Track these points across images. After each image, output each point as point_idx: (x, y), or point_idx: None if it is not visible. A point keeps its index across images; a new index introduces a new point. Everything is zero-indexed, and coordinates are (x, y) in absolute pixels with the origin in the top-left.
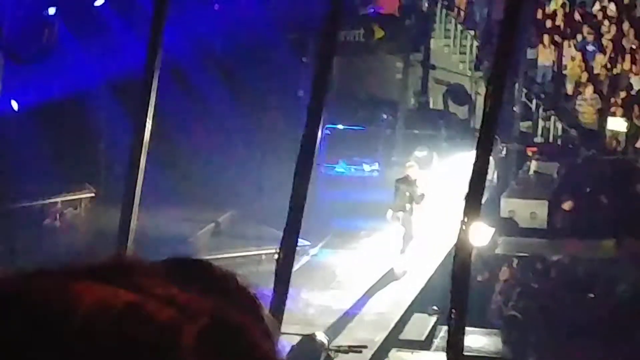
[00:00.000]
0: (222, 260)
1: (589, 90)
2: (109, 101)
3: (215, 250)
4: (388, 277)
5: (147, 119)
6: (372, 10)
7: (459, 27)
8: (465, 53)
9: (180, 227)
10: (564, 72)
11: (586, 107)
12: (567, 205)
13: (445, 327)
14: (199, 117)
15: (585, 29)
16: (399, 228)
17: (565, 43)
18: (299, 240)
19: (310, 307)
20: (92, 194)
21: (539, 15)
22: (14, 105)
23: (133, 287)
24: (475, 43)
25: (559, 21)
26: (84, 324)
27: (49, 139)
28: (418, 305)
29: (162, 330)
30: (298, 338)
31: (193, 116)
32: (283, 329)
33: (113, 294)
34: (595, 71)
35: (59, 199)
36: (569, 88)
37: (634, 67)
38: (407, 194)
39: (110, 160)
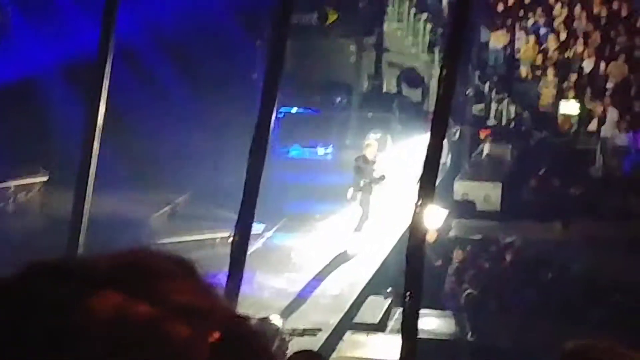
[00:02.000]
0: (177, 245)
1: (550, 73)
2: (63, 84)
3: (171, 234)
4: (342, 258)
5: (101, 102)
6: None
7: (412, 10)
8: (418, 36)
9: (136, 210)
10: (517, 55)
11: (544, 89)
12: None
13: (399, 310)
14: (153, 99)
15: (538, 11)
16: (357, 207)
17: (517, 26)
18: (254, 223)
19: (265, 290)
20: (46, 178)
21: None
22: None
23: (151, 296)
24: (429, 26)
25: (511, 3)
26: (100, 341)
27: (2, 123)
28: (373, 287)
29: (176, 352)
30: None
31: (147, 98)
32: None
33: (131, 307)
34: (549, 54)
35: (11, 183)
36: (523, 71)
37: (586, 49)
38: (365, 172)
39: (64, 144)
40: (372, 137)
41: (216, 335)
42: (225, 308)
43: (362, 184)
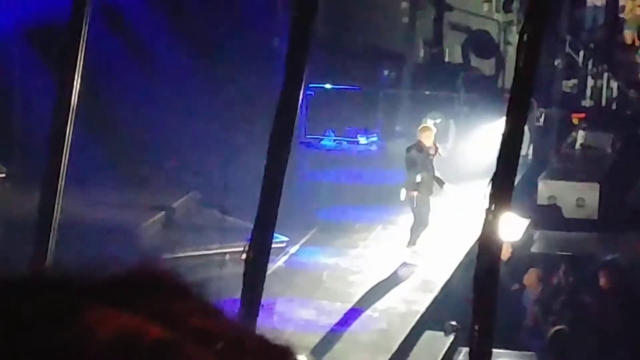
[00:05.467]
0: (173, 262)
1: None
2: (24, 52)
3: (166, 248)
4: (390, 282)
5: (75, 76)
6: None
7: None
8: None
9: (120, 216)
10: (620, 14)
11: None
12: None
13: (465, 349)
14: (143, 73)
15: None
16: (411, 213)
17: None
18: (275, 235)
19: (289, 323)
20: (3, 175)
21: None
22: None
23: (162, 316)
24: None
25: None
26: None
27: None
28: (431, 320)
29: None
30: None
31: (136, 73)
32: None
33: (138, 327)
34: None
35: None
36: (628, 35)
37: None
38: (422, 165)
39: (26, 131)
40: (430, 122)
41: None
42: (257, 338)
43: (418, 179)
